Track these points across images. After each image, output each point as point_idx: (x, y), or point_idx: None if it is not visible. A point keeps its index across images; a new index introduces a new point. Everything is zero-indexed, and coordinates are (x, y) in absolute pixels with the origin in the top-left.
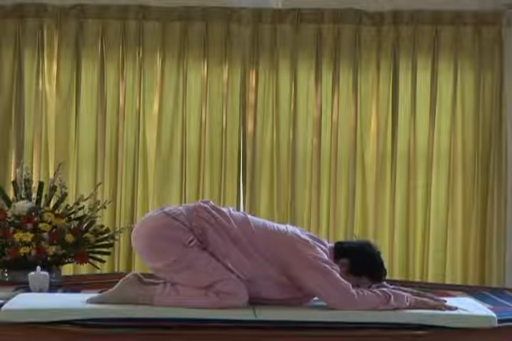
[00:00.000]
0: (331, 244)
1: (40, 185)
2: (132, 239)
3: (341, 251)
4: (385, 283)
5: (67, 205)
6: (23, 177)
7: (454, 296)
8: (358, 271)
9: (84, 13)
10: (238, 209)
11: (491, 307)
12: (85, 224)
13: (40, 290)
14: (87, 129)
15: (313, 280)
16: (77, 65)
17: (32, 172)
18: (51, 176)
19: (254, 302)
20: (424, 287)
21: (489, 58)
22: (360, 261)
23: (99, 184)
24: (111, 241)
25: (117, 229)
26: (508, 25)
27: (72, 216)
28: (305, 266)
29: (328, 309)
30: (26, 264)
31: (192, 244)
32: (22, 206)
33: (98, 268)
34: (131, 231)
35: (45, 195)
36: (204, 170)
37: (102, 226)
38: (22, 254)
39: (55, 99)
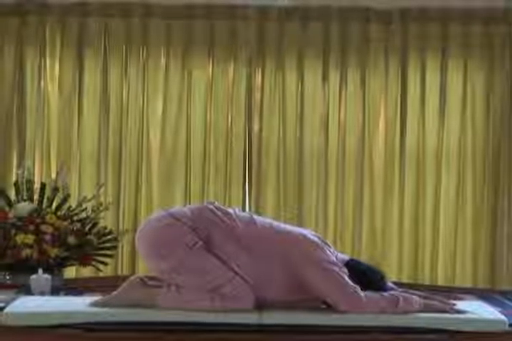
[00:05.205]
0: (345, 257)
1: (42, 186)
2: (136, 241)
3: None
4: (393, 285)
5: (70, 207)
6: (25, 178)
7: (463, 299)
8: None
9: (87, 10)
10: (244, 210)
11: (502, 310)
12: (88, 226)
13: (42, 293)
14: (89, 129)
15: (321, 282)
16: (79, 63)
17: (34, 173)
18: (53, 177)
19: (260, 305)
20: (433, 290)
21: (499, 56)
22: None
23: (102, 185)
24: (114, 243)
25: (121, 231)
26: None
27: (75, 217)
28: (312, 268)
29: (336, 312)
30: (28, 267)
31: (197, 245)
32: (23, 207)
33: (101, 271)
34: (135, 233)
35: (48, 197)
36: (209, 171)
37: (105, 228)
38: (24, 257)
39: (57, 98)
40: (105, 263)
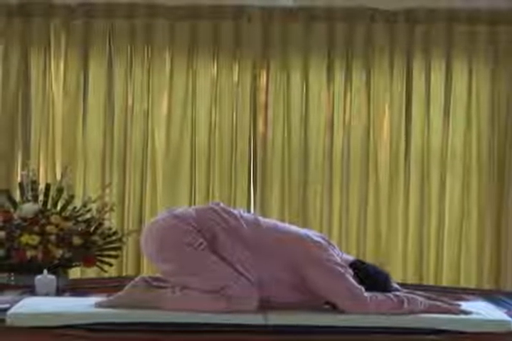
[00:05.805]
0: (350, 258)
1: (47, 186)
2: (141, 242)
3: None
4: (398, 286)
5: (75, 207)
6: (30, 178)
7: (468, 300)
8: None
9: (91, 11)
10: (249, 211)
11: (507, 311)
12: (93, 227)
13: (47, 294)
14: (94, 130)
15: (325, 283)
16: (84, 64)
17: (39, 173)
18: (58, 177)
19: (265, 305)
20: (438, 291)
21: (504, 57)
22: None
23: (109, 184)
24: (119, 244)
25: (126, 232)
26: None
27: (80, 218)
28: (317, 268)
29: (341, 313)
30: (33, 267)
31: (202, 247)
32: (28, 208)
33: (106, 272)
34: (140, 233)
35: (52, 197)
36: (214, 172)
37: (110, 228)
38: (28, 257)
39: (62, 99)
40: (110, 264)
